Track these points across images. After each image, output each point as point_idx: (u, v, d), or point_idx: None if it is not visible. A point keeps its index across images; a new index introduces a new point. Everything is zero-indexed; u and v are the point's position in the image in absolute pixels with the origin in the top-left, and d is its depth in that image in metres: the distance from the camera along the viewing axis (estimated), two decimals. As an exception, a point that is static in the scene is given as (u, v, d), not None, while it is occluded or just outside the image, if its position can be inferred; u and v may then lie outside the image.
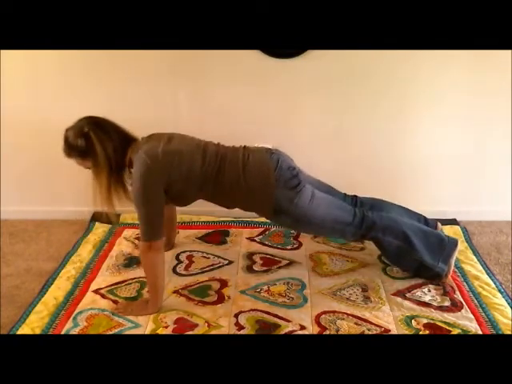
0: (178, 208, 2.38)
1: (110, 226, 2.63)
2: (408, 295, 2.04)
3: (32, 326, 1.90)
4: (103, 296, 2.08)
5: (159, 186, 1.89)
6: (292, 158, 2.09)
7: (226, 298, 2.05)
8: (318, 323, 1.89)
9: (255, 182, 1.94)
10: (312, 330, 1.86)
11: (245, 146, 2.04)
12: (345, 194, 2.24)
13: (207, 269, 2.26)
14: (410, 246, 2.06)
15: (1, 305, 2.08)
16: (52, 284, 2.18)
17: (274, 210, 1.98)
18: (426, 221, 2.27)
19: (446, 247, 2.09)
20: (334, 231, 2.10)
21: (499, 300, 2.01)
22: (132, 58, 2.50)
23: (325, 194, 2.07)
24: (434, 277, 2.10)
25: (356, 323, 1.89)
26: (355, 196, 2.24)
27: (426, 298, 2.01)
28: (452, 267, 2.10)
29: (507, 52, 2.39)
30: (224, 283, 2.14)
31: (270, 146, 2.10)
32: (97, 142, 1.87)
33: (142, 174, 1.86)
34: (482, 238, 2.55)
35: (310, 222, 2.01)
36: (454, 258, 2.10)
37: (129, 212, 2.33)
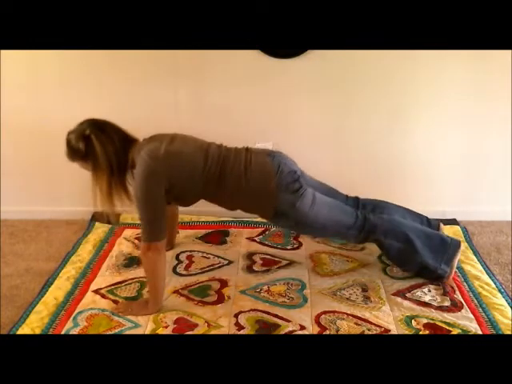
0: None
1: (110, 225, 2.62)
2: (408, 295, 2.04)
3: (32, 326, 1.90)
4: (103, 296, 2.08)
5: (161, 188, 1.89)
6: (292, 157, 2.09)
7: (226, 298, 2.05)
8: (318, 323, 1.89)
9: (256, 185, 1.94)
10: (312, 329, 1.86)
11: (247, 148, 2.04)
12: (346, 195, 2.23)
13: (207, 269, 2.26)
14: (411, 248, 2.05)
15: (1, 305, 2.08)
16: (52, 284, 2.18)
17: (275, 213, 1.98)
18: (428, 222, 2.27)
19: (448, 249, 2.08)
20: (336, 234, 2.12)
21: (499, 300, 2.01)
22: (132, 58, 2.50)
23: (327, 197, 2.07)
24: (435, 278, 2.10)
25: (356, 323, 1.89)
26: (357, 198, 2.24)
27: (426, 298, 2.01)
28: (454, 269, 2.10)
29: (507, 52, 2.39)
30: (224, 283, 2.14)
31: (271, 147, 2.09)
32: (98, 145, 1.87)
33: (144, 175, 1.87)
34: (482, 238, 2.55)
35: (311, 225, 2.02)
36: (457, 259, 2.10)
37: (129, 212, 2.34)
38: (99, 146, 1.87)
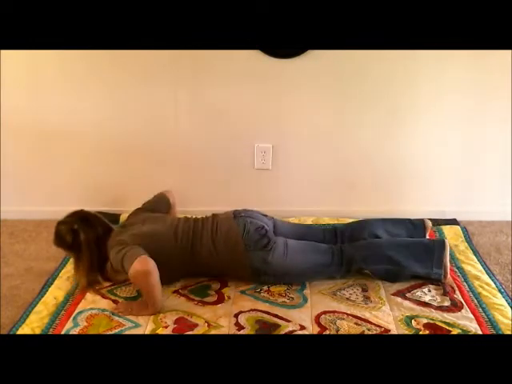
0: (177, 208, 2.39)
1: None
2: (408, 295, 2.04)
3: (32, 325, 1.90)
4: (103, 296, 2.08)
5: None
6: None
7: (226, 298, 2.05)
8: (318, 323, 1.89)
9: (226, 251, 2.01)
10: (312, 329, 1.86)
11: (214, 215, 2.12)
12: (323, 229, 2.25)
13: (207, 269, 2.26)
14: (397, 266, 2.05)
15: (1, 305, 2.08)
16: (52, 284, 2.18)
17: (253, 273, 2.05)
18: (412, 223, 2.27)
19: (434, 252, 2.07)
20: (317, 275, 2.12)
21: (499, 300, 2.01)
22: (132, 58, 2.50)
23: (299, 242, 2.09)
24: (433, 281, 2.09)
25: (356, 323, 1.89)
26: (334, 228, 2.26)
27: (426, 298, 2.01)
28: (448, 268, 2.08)
29: (507, 52, 2.39)
30: (224, 283, 2.14)
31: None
32: (84, 241, 2.02)
33: (117, 245, 1.97)
34: (482, 238, 2.55)
35: (289, 274, 2.07)
36: (447, 258, 2.07)
37: (129, 212, 2.34)
38: (85, 241, 2.02)
